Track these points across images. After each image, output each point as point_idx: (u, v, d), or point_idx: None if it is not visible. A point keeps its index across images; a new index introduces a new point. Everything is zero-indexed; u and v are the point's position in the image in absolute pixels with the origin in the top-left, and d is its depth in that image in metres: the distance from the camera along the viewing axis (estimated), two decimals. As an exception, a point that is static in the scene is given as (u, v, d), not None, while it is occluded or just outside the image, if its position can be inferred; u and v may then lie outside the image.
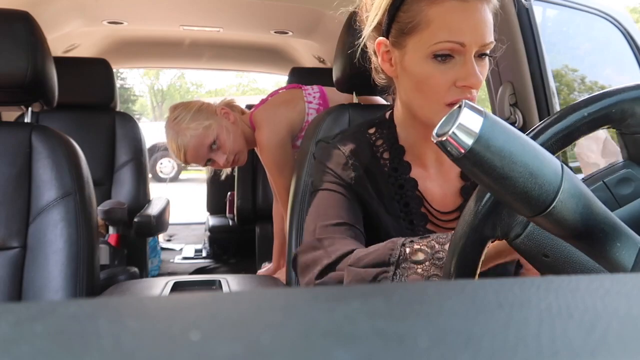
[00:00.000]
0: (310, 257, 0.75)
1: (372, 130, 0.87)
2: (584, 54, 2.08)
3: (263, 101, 1.64)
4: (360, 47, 0.86)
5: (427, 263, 0.65)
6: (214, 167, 1.59)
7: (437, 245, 0.67)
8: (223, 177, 1.77)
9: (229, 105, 1.61)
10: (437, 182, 0.84)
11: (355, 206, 0.81)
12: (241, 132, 1.55)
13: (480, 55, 0.73)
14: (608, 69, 2.17)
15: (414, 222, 0.81)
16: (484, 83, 0.85)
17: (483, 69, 0.73)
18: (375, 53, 0.82)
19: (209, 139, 1.48)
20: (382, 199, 0.82)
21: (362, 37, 0.82)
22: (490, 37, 0.72)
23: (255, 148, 1.64)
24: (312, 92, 1.58)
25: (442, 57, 0.72)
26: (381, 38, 0.78)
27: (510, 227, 0.48)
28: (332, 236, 0.75)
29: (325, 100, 1.57)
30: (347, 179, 0.82)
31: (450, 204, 0.83)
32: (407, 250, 0.66)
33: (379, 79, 0.85)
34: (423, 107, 0.76)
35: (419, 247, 0.66)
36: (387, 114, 0.89)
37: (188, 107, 1.53)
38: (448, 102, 0.72)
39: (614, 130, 0.49)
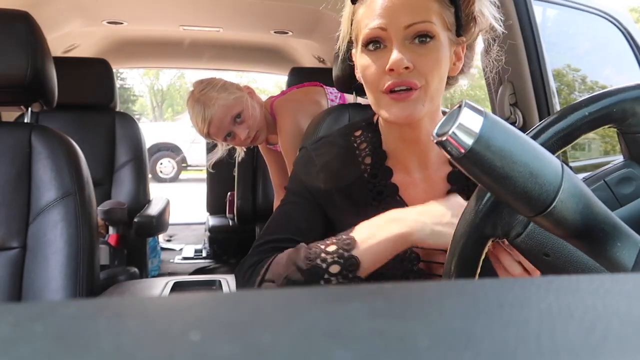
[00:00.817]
0: (247, 275, 0.79)
1: (358, 133, 0.88)
2: (583, 53, 2.08)
3: (283, 92, 1.67)
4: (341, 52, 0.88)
5: (340, 277, 0.71)
6: (232, 143, 1.61)
7: (345, 254, 0.71)
8: (238, 158, 1.78)
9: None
10: (421, 188, 0.83)
11: (312, 219, 0.83)
12: (263, 113, 1.58)
13: (420, 39, 0.72)
14: (607, 69, 2.17)
15: None
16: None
17: (423, 55, 0.72)
18: None
19: (236, 110, 1.52)
20: (356, 206, 0.83)
21: (338, 55, 0.86)
22: (419, 17, 0.71)
23: (265, 140, 1.66)
24: (333, 91, 1.61)
25: (373, 46, 0.74)
26: (353, 50, 0.82)
27: (511, 226, 0.48)
28: (270, 254, 0.79)
29: (344, 101, 1.59)
30: (313, 190, 0.84)
31: None
32: (323, 265, 0.72)
33: None
34: (371, 100, 0.78)
35: (332, 259, 0.71)
36: (376, 117, 0.89)
37: (214, 82, 1.57)
38: (383, 89, 0.73)
39: (615, 129, 0.49)
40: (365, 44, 0.74)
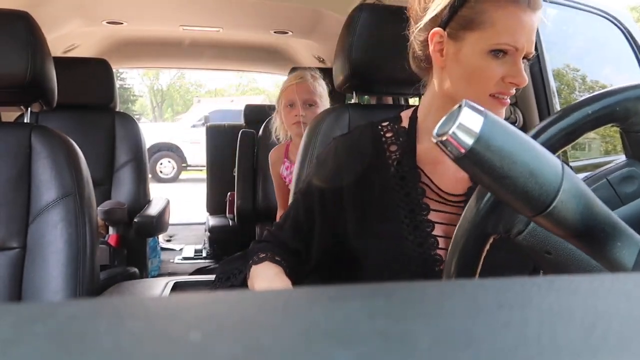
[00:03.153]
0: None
1: (385, 124, 0.94)
2: (579, 53, 2.08)
3: None
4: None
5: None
6: (288, 111, 1.76)
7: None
8: (275, 136, 1.91)
9: None
10: (453, 166, 0.86)
11: (314, 219, 0.90)
12: None
13: (523, 60, 0.80)
14: (607, 69, 2.17)
15: (414, 211, 0.85)
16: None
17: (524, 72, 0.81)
18: (422, 42, 0.87)
19: (317, 101, 1.73)
20: (377, 190, 0.88)
21: (418, 25, 0.86)
22: (534, 44, 0.80)
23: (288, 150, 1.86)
24: None
25: (497, 54, 0.79)
26: (437, 28, 0.82)
27: (513, 224, 0.48)
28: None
29: None
30: (332, 182, 0.90)
31: (461, 187, 0.87)
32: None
33: (417, 68, 0.91)
34: (469, 95, 0.81)
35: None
36: (405, 112, 0.94)
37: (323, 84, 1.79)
38: (492, 93, 0.80)
39: (616, 129, 0.49)
40: (492, 50, 0.79)
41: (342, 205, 0.88)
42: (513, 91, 0.81)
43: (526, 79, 0.79)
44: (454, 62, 0.82)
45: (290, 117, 1.74)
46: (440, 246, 0.84)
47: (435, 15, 0.82)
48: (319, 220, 0.89)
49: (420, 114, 0.91)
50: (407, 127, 0.91)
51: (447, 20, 0.81)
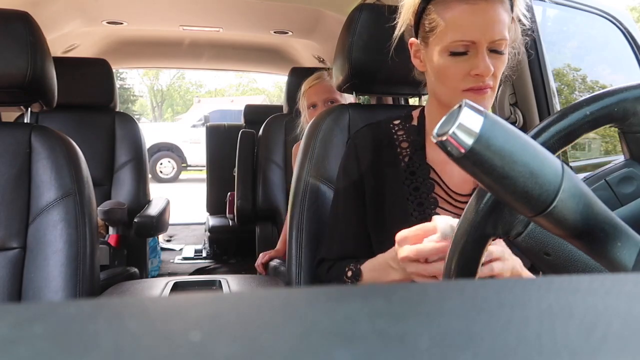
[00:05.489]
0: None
1: (396, 122, 1.00)
2: (579, 53, 2.08)
3: None
4: (393, 45, 0.98)
5: None
6: (313, 114, 1.76)
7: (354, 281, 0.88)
8: (301, 130, 1.91)
9: None
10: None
11: (359, 204, 0.95)
12: None
13: (494, 51, 0.83)
14: (607, 69, 2.17)
15: (423, 205, 0.91)
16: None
17: (498, 63, 0.84)
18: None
19: (336, 95, 1.75)
20: (388, 183, 0.94)
21: (393, 40, 0.96)
22: (501, 34, 0.82)
23: None
24: None
25: (457, 52, 0.83)
26: (412, 39, 0.92)
27: (512, 226, 0.48)
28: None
29: None
30: (357, 177, 0.96)
31: (468, 187, 0.92)
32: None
33: (417, 74, 0.97)
34: (445, 94, 0.89)
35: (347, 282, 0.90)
36: (415, 111, 1.01)
37: None
38: (464, 89, 0.85)
39: (616, 129, 0.49)
40: (450, 49, 0.83)
41: (364, 199, 0.94)
42: (488, 82, 0.84)
43: (490, 67, 0.82)
44: (428, 66, 0.90)
45: (313, 116, 1.75)
46: None
47: (409, 25, 0.91)
48: (360, 220, 0.95)
49: (427, 114, 0.98)
50: (417, 125, 0.97)
51: (416, 29, 0.90)
